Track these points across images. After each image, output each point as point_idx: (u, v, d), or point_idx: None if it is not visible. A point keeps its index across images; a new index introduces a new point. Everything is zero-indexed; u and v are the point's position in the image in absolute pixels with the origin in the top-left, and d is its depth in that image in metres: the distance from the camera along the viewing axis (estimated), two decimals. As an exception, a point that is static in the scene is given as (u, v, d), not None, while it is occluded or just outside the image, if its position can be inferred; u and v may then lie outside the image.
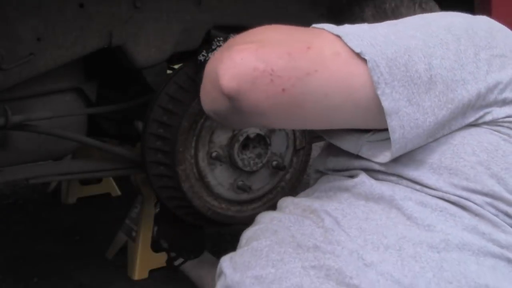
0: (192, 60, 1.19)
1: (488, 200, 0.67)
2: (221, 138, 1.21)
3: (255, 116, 0.66)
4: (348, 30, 0.65)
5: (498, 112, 0.69)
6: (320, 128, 0.74)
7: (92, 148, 1.56)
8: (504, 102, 0.69)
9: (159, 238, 1.37)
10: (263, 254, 0.71)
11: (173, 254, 1.35)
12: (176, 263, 1.34)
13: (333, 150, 0.82)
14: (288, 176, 1.34)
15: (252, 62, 0.60)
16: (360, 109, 0.65)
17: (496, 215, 0.67)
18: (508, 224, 0.67)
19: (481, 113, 0.69)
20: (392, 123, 0.63)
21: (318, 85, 0.62)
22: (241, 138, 1.21)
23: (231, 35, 1.12)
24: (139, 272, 1.62)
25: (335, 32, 0.64)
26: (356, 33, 0.64)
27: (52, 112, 1.19)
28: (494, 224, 0.66)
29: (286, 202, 0.80)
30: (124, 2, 1.10)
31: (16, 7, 1.00)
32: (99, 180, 2.25)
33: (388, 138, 0.67)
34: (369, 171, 0.74)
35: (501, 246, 0.65)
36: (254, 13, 1.27)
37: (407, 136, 0.65)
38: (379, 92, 0.62)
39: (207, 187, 1.22)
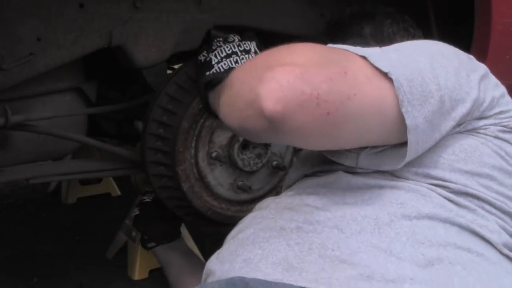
0: (192, 60, 1.19)
1: (460, 187, 0.75)
2: (221, 138, 1.21)
3: (294, 137, 0.68)
4: (370, 52, 0.68)
5: (477, 123, 0.79)
6: (348, 147, 0.77)
7: (92, 148, 1.57)
8: (482, 117, 0.80)
9: (135, 224, 1.43)
10: (249, 241, 0.76)
11: (146, 237, 1.40)
12: (149, 245, 1.40)
13: (320, 157, 0.88)
14: (288, 176, 1.34)
15: (299, 86, 0.61)
16: (386, 128, 0.70)
17: (465, 196, 0.75)
18: (475, 205, 0.74)
19: (464, 124, 0.79)
20: (411, 139, 0.69)
21: (357, 108, 0.65)
22: (241, 138, 1.21)
23: (231, 35, 1.13)
24: (139, 272, 1.62)
25: (359, 53, 0.68)
26: (377, 55, 0.68)
27: (52, 112, 1.19)
28: (460, 205, 0.74)
29: (267, 202, 0.86)
30: (124, 2, 1.10)
31: (16, 7, 1.00)
32: (99, 180, 2.25)
33: (383, 150, 0.75)
34: (349, 172, 0.81)
35: (466, 220, 0.72)
36: (254, 13, 1.27)
37: (419, 150, 0.72)
38: (403, 110, 0.67)
39: (207, 187, 1.22)
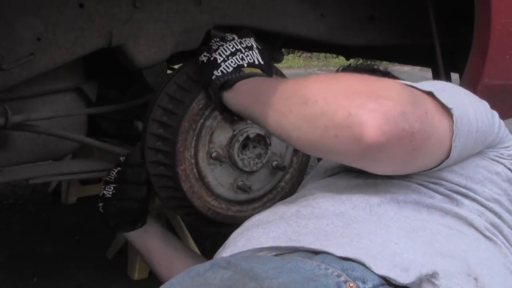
0: (192, 60, 1.19)
1: (453, 186, 0.82)
2: (221, 138, 1.21)
3: (376, 164, 0.75)
4: (431, 88, 0.75)
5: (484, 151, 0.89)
6: (405, 173, 0.83)
7: (92, 148, 1.57)
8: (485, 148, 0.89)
9: (105, 207, 1.20)
10: (254, 224, 0.84)
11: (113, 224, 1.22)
12: (118, 231, 1.24)
13: (332, 163, 0.98)
14: (288, 176, 1.34)
15: (402, 123, 0.67)
16: (438, 157, 0.77)
17: (456, 193, 0.82)
18: (463, 199, 0.81)
19: None
20: (443, 165, 0.79)
21: (431, 146, 0.73)
22: (241, 138, 1.21)
23: (228, 34, 1.13)
24: (139, 272, 1.62)
25: (426, 89, 0.75)
26: (438, 92, 0.75)
27: (52, 112, 1.19)
28: (447, 196, 0.81)
29: (276, 204, 0.93)
30: (124, 2, 1.10)
31: (16, 7, 1.00)
32: (99, 180, 2.24)
33: None
34: (350, 171, 0.89)
35: (449, 205, 0.80)
36: (254, 13, 1.27)
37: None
38: (453, 144, 0.75)
39: (207, 187, 1.22)
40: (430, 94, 0.75)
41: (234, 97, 1.02)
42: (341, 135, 0.70)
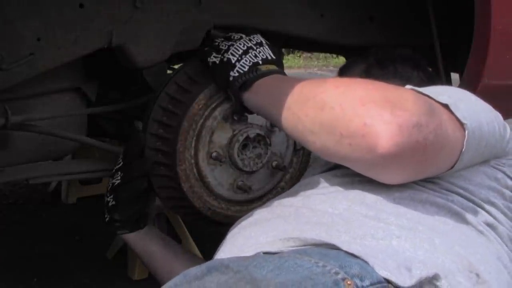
0: (193, 60, 1.19)
1: (449, 186, 0.83)
2: (221, 138, 1.21)
3: (387, 173, 0.76)
4: (449, 100, 0.76)
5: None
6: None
7: (92, 148, 1.57)
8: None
9: (110, 212, 1.19)
10: (252, 223, 0.85)
11: (117, 224, 1.20)
12: (120, 232, 1.22)
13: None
14: (288, 176, 1.34)
15: (415, 135, 0.68)
16: (446, 166, 0.78)
17: (451, 192, 0.83)
18: (456, 196, 0.82)
19: None
20: (444, 174, 0.81)
21: (442, 157, 0.75)
22: (241, 138, 1.21)
23: (233, 33, 1.13)
24: (139, 272, 1.62)
25: (442, 101, 0.76)
26: (454, 105, 0.76)
27: (52, 112, 1.19)
28: (442, 193, 0.82)
29: (272, 202, 0.95)
30: (124, 2, 1.10)
31: (16, 7, 1.00)
32: (99, 180, 2.25)
33: None
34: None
35: (442, 199, 0.80)
36: (254, 13, 1.27)
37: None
38: (461, 157, 0.76)
39: (207, 187, 1.22)
40: (446, 106, 0.75)
41: (253, 97, 1.02)
42: (354, 144, 0.71)
